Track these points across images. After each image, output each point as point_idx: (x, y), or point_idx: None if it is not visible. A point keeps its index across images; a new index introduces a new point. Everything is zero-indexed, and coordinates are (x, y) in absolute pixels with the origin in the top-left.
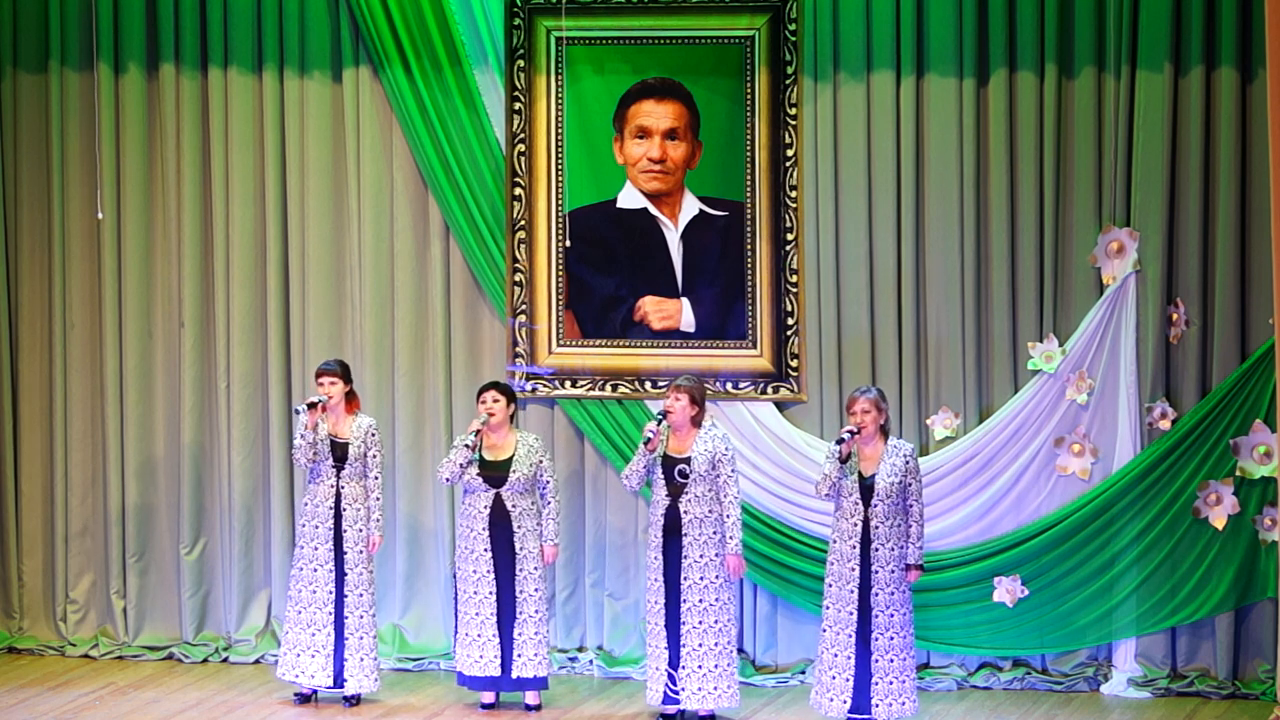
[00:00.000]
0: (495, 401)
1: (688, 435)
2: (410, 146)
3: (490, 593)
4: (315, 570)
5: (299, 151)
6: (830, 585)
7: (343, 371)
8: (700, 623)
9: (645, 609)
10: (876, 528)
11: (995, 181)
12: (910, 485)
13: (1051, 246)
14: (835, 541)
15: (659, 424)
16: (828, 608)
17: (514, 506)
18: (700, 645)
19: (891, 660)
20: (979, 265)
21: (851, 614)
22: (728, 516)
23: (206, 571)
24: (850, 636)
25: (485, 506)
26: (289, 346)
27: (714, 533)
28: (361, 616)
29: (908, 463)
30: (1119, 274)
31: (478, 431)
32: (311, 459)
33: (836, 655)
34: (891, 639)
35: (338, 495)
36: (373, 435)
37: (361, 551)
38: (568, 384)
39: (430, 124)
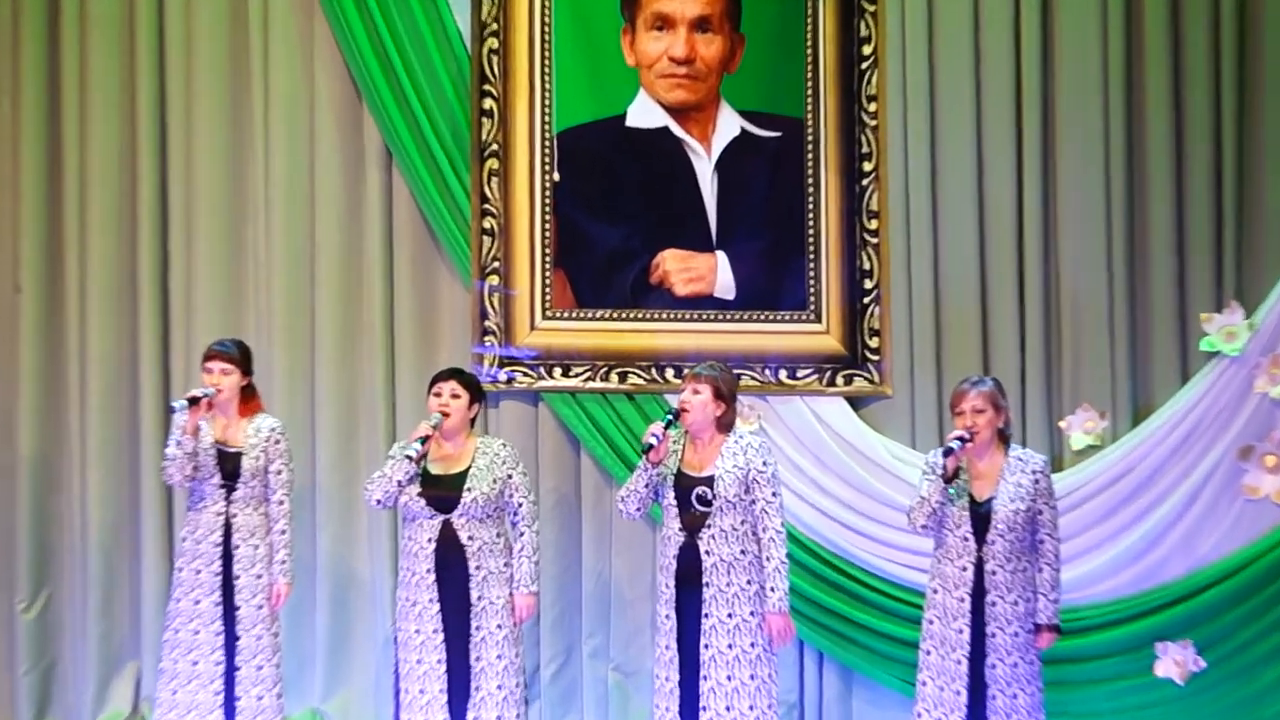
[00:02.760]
0: (455, 397)
1: (711, 444)
2: (338, 40)
3: (439, 661)
4: (197, 633)
5: (182, 46)
6: (929, 653)
7: (240, 355)
8: (728, 709)
9: (653, 689)
10: (994, 573)
11: (1153, 90)
12: (1042, 513)
13: (1233, 181)
14: (936, 592)
15: (668, 426)
16: (925, 684)
17: (470, 539)
18: None
19: None
20: (1130, 207)
21: (959, 694)
22: (768, 560)
23: (51, 636)
24: None
25: (430, 540)
26: (167, 320)
27: (748, 582)
28: (261, 699)
29: (1038, 482)
30: None
31: (426, 437)
32: (190, 475)
33: None
34: None
35: (227, 527)
36: (276, 443)
37: (261, 606)
38: (557, 372)
39: (366, 9)
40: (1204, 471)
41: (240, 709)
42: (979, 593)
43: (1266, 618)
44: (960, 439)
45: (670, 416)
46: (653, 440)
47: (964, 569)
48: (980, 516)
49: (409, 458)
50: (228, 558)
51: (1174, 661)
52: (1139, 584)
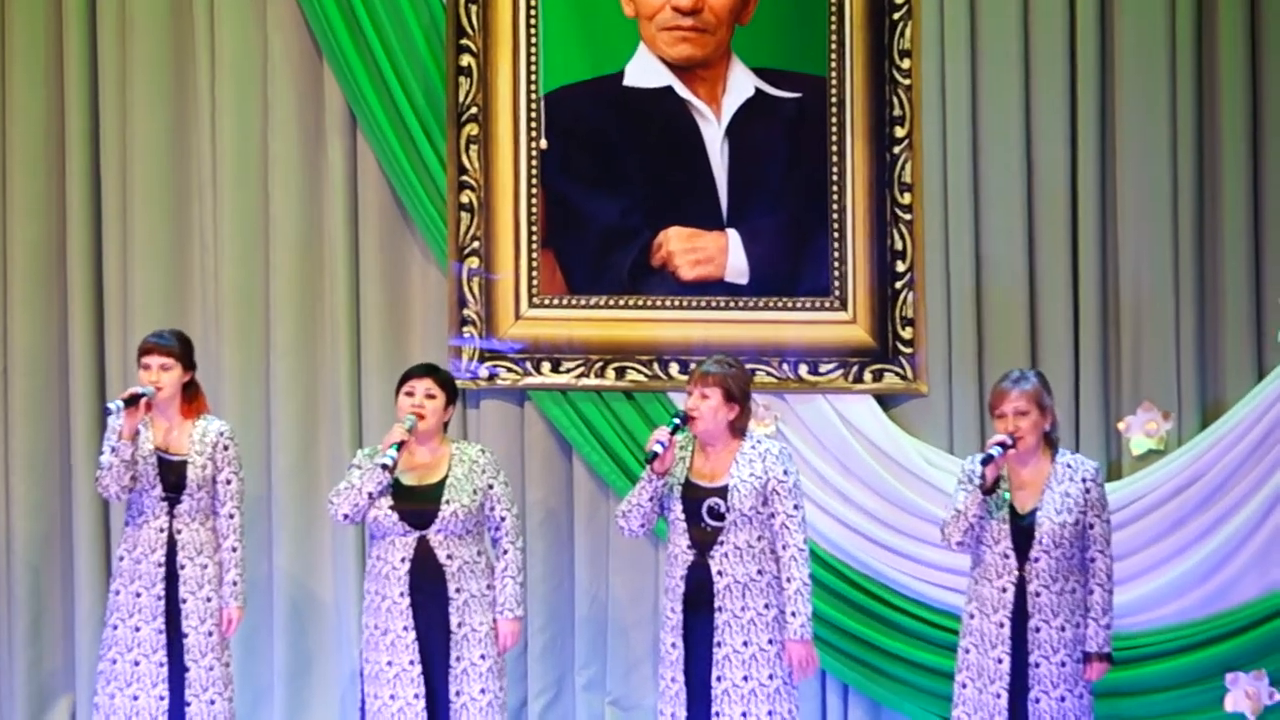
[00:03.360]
0: (430, 397)
1: (724, 451)
2: None
3: (416, 696)
4: (137, 664)
5: None
6: (964, 686)
7: (180, 349)
8: None
9: None
10: (1038, 594)
11: (1226, 48)
12: (1093, 527)
13: None
14: (973, 617)
15: (675, 431)
16: None
17: (449, 558)
18: None
19: None
20: (1200, 180)
21: None
22: (788, 581)
23: None
24: None
25: (403, 559)
26: (101, 312)
27: (765, 606)
28: None
29: (1089, 492)
30: None
31: (402, 443)
32: (128, 486)
33: None
34: None
35: (171, 544)
36: (225, 449)
37: (210, 634)
38: (546, 367)
39: None
40: None
41: None
42: (1021, 617)
43: None
44: (1001, 445)
45: (677, 421)
46: (657, 448)
47: (1004, 590)
48: (1023, 531)
49: (384, 467)
50: (172, 579)
51: (1245, 694)
52: (1207, 607)
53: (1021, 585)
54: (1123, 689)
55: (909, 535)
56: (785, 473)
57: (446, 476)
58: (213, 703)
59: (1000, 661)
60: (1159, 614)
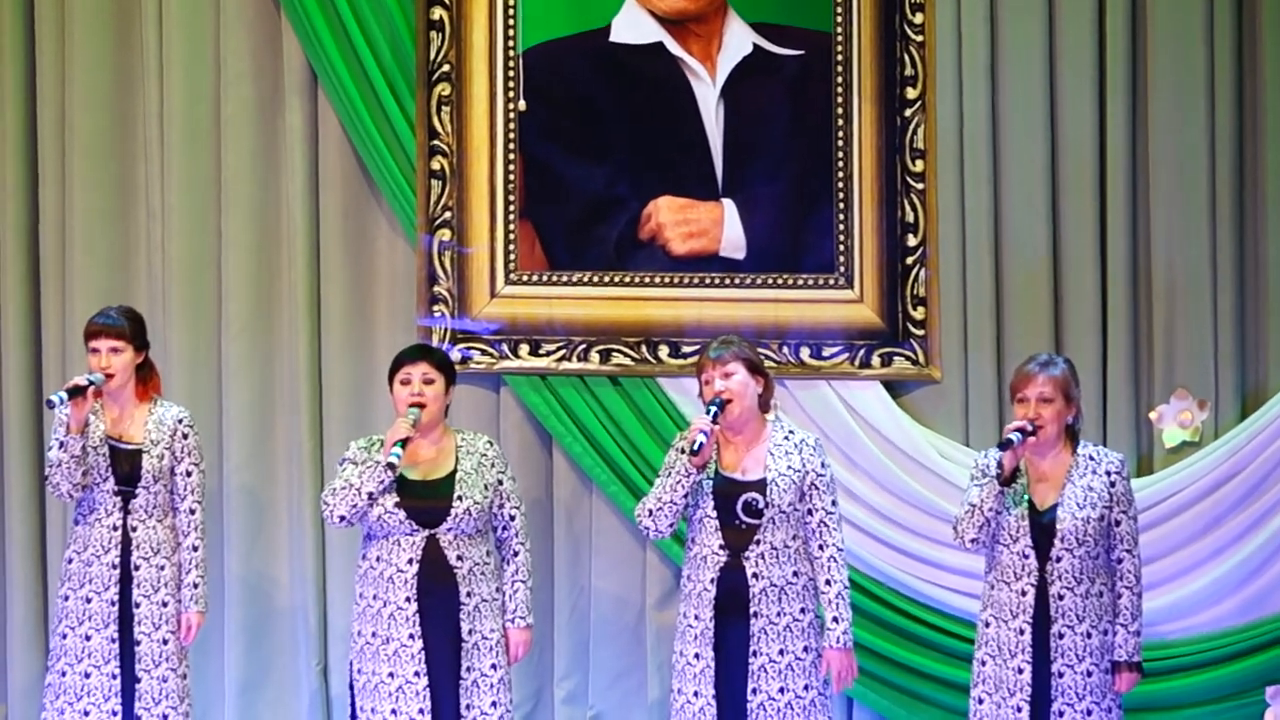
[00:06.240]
0: (428, 383)
1: (755, 438)
2: None
3: (421, 712)
4: (87, 676)
5: None
6: (980, 701)
7: (131, 329)
8: None
9: None
10: (1061, 597)
11: (1270, 6)
12: (1119, 524)
13: None
14: (989, 625)
15: (715, 420)
16: None
17: (459, 559)
18: None
19: None
20: (1240, 149)
21: None
22: (828, 584)
23: None
24: None
25: (410, 561)
26: (37, 286)
27: (801, 611)
28: None
29: (1114, 485)
30: None
31: (407, 439)
32: (80, 483)
33: None
34: None
35: (125, 544)
36: (184, 438)
37: (165, 641)
38: (524, 350)
39: None
40: None
41: None
42: (1042, 623)
43: None
44: (1021, 431)
45: (715, 409)
46: (701, 438)
47: (1023, 593)
48: (1042, 528)
49: (389, 466)
50: (125, 581)
51: None
52: (1245, 614)
53: (1043, 588)
54: (1154, 703)
55: (920, 534)
56: (823, 465)
57: (455, 470)
58: (165, 717)
59: (1020, 672)
60: (1193, 621)
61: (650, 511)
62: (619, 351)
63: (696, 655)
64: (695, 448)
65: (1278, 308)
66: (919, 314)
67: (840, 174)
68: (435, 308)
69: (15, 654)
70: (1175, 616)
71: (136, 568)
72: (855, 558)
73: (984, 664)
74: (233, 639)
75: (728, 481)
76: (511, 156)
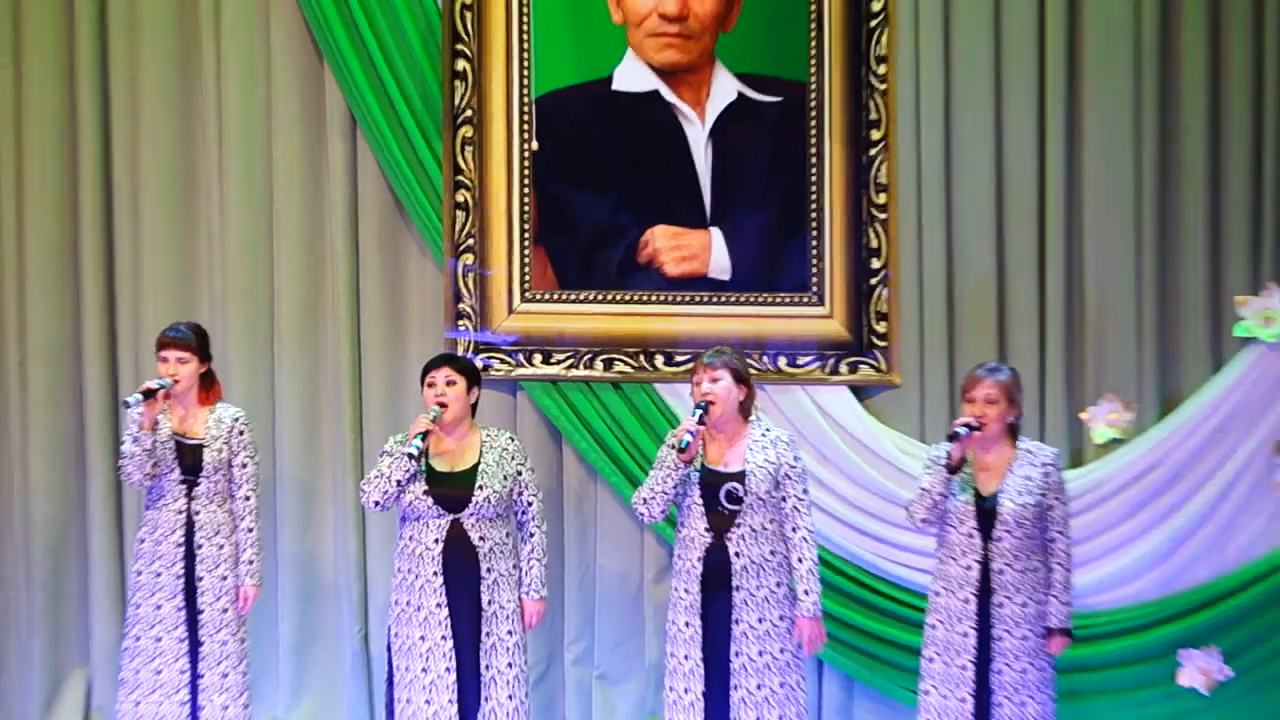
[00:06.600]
0: (450, 384)
1: (736, 435)
2: None
3: (447, 669)
4: (159, 640)
5: (125, 4)
6: (931, 660)
7: (197, 342)
8: None
9: (667, 704)
10: (1001, 572)
11: (1190, 55)
12: (1053, 509)
13: (1274, 153)
14: (939, 594)
15: (700, 421)
16: (928, 693)
17: (482, 540)
18: None
19: None
20: (1162, 180)
21: (964, 701)
22: (799, 561)
23: None
24: None
25: (437, 540)
26: (113, 302)
27: (777, 584)
28: (227, 708)
29: (1048, 476)
30: None
31: (426, 432)
32: (150, 474)
33: None
34: None
35: (189, 526)
36: (240, 435)
37: (226, 610)
38: (537, 359)
39: None
40: (1236, 467)
41: (204, 717)
42: (985, 593)
43: None
44: (967, 426)
45: (700, 410)
46: (688, 437)
47: (968, 568)
48: (986, 512)
49: (411, 456)
50: (190, 558)
51: (1198, 670)
52: (1163, 588)
53: (986, 563)
54: (1083, 664)
55: (882, 519)
56: (795, 459)
57: (479, 463)
58: (226, 675)
59: (966, 635)
60: (1119, 594)
61: (645, 500)
62: (620, 360)
63: (686, 623)
64: (683, 445)
65: (1193, 322)
66: (881, 328)
67: (814, 206)
68: (460, 322)
69: (96, 622)
70: (1103, 589)
71: (199, 546)
72: (824, 538)
73: (934, 628)
74: (285, 608)
75: (712, 473)
76: (526, 190)
